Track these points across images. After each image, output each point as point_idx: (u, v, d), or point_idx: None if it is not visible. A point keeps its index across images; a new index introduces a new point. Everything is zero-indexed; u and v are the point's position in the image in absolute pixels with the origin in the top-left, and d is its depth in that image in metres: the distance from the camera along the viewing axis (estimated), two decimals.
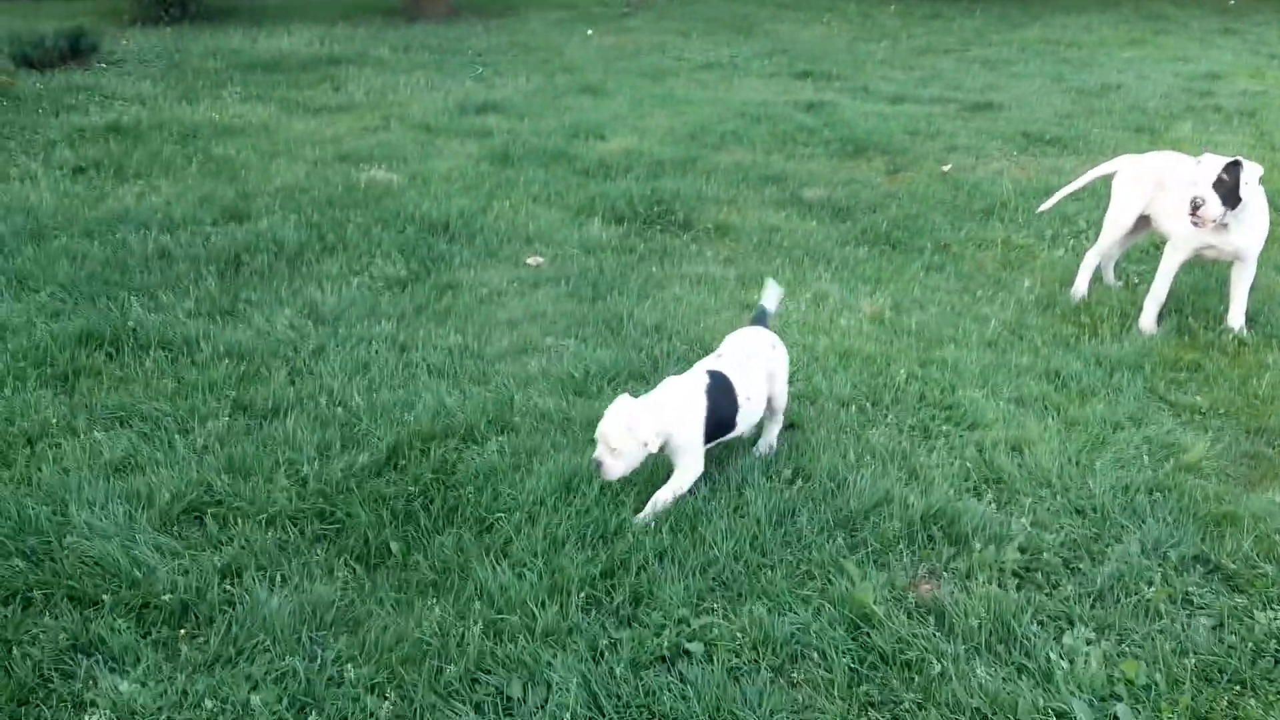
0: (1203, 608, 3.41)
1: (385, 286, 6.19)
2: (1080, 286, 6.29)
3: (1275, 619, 3.34)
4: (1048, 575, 3.55)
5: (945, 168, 8.89)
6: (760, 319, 4.45)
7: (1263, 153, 9.29)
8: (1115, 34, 16.36)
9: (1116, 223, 6.15)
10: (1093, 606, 3.39)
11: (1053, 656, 3.10)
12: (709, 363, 4.15)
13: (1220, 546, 3.72)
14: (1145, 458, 4.34)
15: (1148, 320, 5.79)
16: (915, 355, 5.34)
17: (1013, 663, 3.11)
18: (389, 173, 8.50)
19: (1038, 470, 4.19)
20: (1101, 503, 3.96)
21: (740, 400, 4.04)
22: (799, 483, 4.05)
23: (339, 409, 4.57)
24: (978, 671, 3.04)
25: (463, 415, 4.50)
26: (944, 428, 4.56)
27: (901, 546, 3.67)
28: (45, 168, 8.35)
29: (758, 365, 4.18)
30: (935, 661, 3.08)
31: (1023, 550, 3.63)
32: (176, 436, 4.28)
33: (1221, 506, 3.97)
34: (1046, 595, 3.43)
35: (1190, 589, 3.50)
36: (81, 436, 4.27)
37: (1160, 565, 3.61)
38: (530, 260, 6.77)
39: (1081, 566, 3.61)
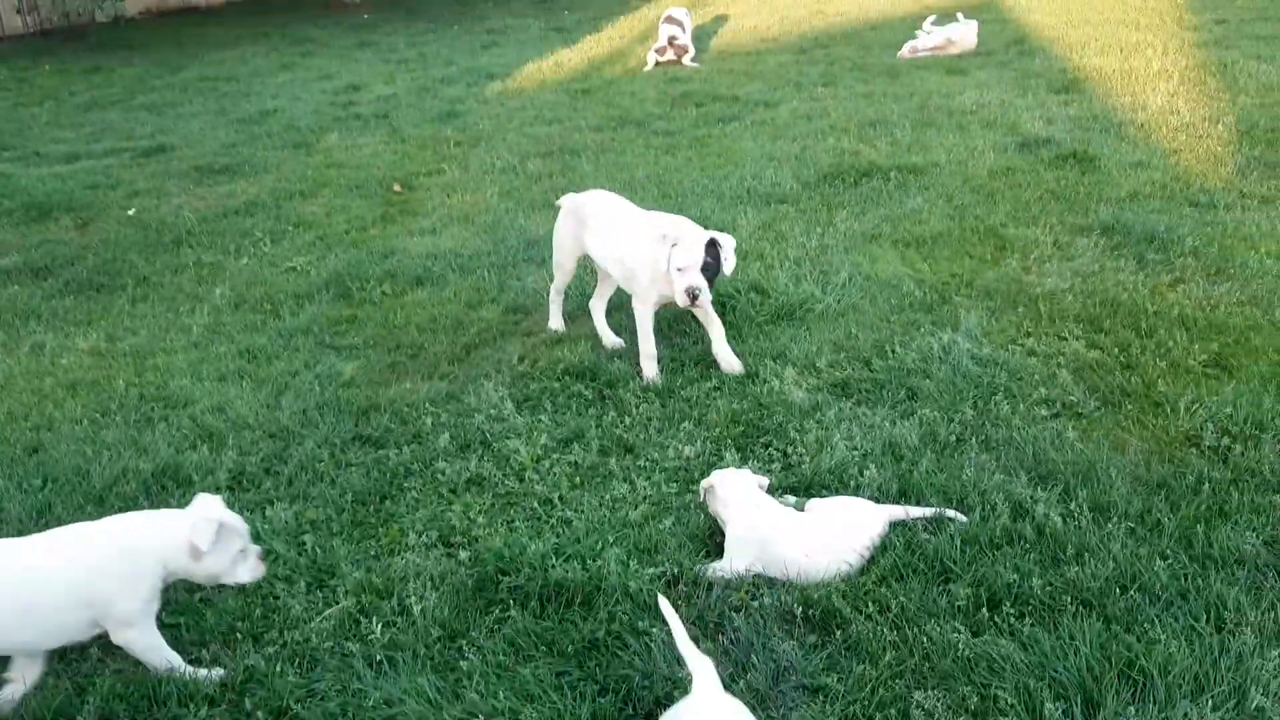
0: (356, 464, 5.08)
1: None
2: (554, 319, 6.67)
3: (401, 455, 5.10)
4: (251, 480, 4.97)
5: (130, 211, 9.82)
6: None
7: (395, 145, 11.66)
8: (268, 63, 18.20)
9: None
10: (288, 486, 4.88)
11: (257, 523, 4.52)
12: None
13: (368, 424, 5.46)
14: (317, 387, 5.96)
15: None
16: (133, 369, 6.42)
17: None
18: None
19: (238, 419, 5.59)
20: (286, 425, 5.48)
21: None
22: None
23: None
24: None
25: None
26: (164, 412, 5.76)
27: (143, 500, 4.83)
28: None
29: None
30: None
31: (230, 472, 5.01)
32: None
33: (369, 401, 5.72)
34: (248, 493, 4.85)
35: (340, 455, 5.17)
36: None
37: (330, 450, 5.23)
38: None
39: (277, 468, 5.08)
